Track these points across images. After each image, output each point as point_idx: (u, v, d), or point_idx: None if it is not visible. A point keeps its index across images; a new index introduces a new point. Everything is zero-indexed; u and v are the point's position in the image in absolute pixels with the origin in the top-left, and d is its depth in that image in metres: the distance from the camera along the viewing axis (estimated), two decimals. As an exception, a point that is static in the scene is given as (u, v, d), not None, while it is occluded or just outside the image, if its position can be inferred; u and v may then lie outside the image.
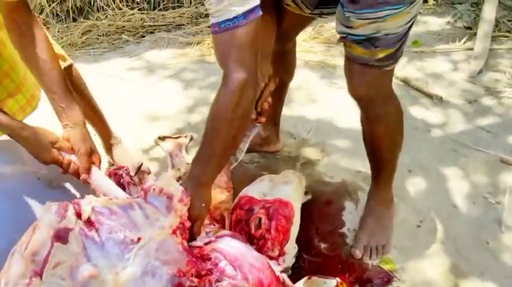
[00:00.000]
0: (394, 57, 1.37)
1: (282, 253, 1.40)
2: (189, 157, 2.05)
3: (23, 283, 0.98)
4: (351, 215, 1.76)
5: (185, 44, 3.12)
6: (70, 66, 1.73)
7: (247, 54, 1.20)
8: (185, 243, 1.21)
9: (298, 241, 1.56)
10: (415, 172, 1.96)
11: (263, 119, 1.54)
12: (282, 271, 1.34)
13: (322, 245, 1.65)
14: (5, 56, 1.50)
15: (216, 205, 1.68)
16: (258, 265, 1.26)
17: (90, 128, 1.92)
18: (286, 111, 2.33)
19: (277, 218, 1.41)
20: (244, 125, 1.30)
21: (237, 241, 1.30)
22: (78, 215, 1.10)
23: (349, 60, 1.41)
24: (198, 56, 2.92)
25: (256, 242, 1.40)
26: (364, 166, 1.94)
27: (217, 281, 1.21)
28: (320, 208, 1.78)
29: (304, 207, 1.71)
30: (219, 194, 1.72)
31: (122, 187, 1.39)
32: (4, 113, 1.27)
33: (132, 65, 2.90)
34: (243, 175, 1.86)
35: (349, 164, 2.00)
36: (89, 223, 1.09)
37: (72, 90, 1.37)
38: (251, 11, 1.15)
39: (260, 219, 1.42)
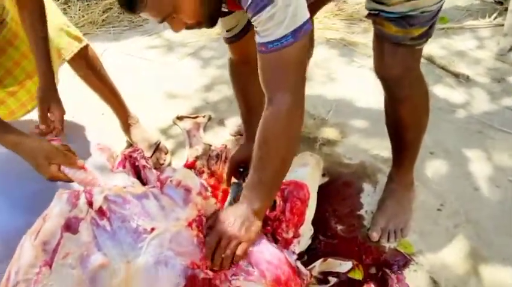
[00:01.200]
0: (427, 35, 1.33)
1: (296, 235, 1.39)
2: (206, 137, 2.05)
3: (32, 272, 0.97)
4: (369, 198, 1.73)
5: (205, 22, 3.08)
6: (86, 47, 1.73)
7: (295, 75, 1.13)
8: (201, 236, 1.19)
9: (315, 222, 1.54)
10: (437, 154, 1.91)
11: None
12: (297, 259, 1.32)
13: (339, 227, 1.63)
14: (21, 37, 1.51)
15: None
16: (275, 262, 1.23)
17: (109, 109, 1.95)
18: (305, 90, 2.29)
19: (292, 200, 1.39)
20: (294, 148, 1.24)
21: None
22: (90, 204, 1.07)
23: (380, 38, 1.37)
24: (217, 34, 2.88)
25: (270, 223, 1.39)
26: (384, 148, 1.90)
27: (233, 275, 1.19)
28: (338, 190, 1.76)
29: (322, 188, 1.69)
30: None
31: (137, 169, 1.38)
32: (3, 126, 1.24)
33: (151, 44, 2.89)
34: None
35: (369, 145, 1.96)
36: (100, 212, 1.07)
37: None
38: (300, 27, 1.06)
39: (275, 201, 1.40)
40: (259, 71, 1.17)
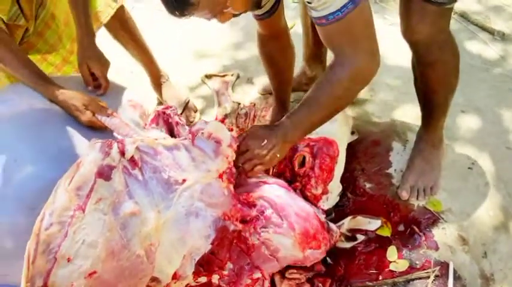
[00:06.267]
0: None
1: (325, 191, 1.41)
2: (235, 95, 2.06)
3: (67, 215, 0.99)
4: (398, 156, 1.72)
5: (232, -21, 3.02)
6: (121, 7, 1.74)
7: (364, 36, 1.13)
8: (231, 188, 1.21)
9: (343, 180, 1.56)
10: (469, 112, 1.88)
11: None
12: (326, 214, 1.34)
13: (368, 185, 1.63)
14: (57, 17, 1.54)
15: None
16: (303, 215, 1.26)
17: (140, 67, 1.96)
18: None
19: (321, 156, 1.40)
20: (348, 102, 1.31)
21: (283, 190, 1.30)
22: (122, 154, 1.08)
23: None
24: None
25: (299, 179, 1.41)
26: (414, 106, 1.87)
27: (263, 227, 1.22)
28: (367, 148, 1.75)
29: (351, 147, 1.69)
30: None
31: (170, 126, 1.39)
32: (44, 78, 1.34)
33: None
34: (289, 114, 1.84)
35: (399, 104, 1.93)
36: (132, 161, 1.08)
37: None
38: None
39: (304, 157, 1.41)
40: (323, 41, 1.17)
